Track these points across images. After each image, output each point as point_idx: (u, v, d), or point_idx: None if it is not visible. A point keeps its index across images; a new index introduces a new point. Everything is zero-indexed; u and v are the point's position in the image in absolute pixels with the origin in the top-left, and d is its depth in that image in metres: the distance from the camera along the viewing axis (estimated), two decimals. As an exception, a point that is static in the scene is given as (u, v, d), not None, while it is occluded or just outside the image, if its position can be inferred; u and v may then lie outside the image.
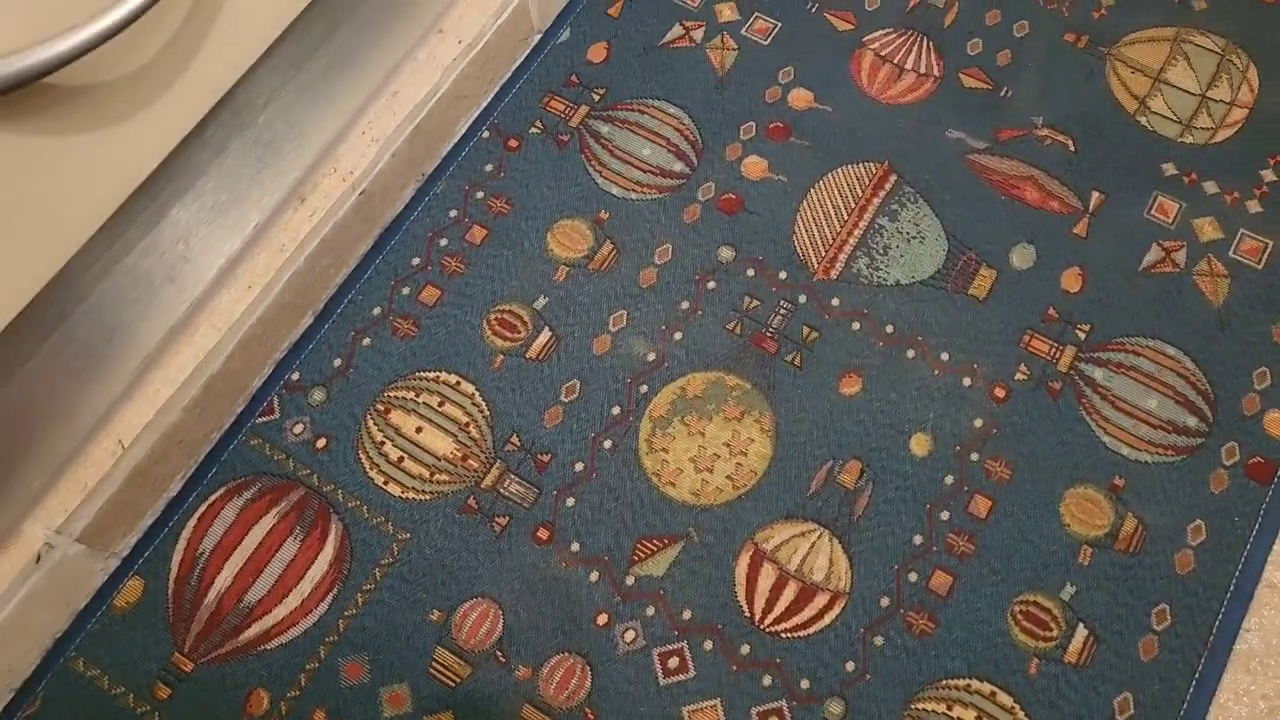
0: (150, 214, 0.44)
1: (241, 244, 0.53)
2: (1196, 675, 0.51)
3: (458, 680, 0.51)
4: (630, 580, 0.53)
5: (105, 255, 0.42)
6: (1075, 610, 0.52)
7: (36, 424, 0.46)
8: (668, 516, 0.54)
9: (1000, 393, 0.57)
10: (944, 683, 0.51)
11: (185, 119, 0.41)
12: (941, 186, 0.62)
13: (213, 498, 0.55)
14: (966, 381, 0.57)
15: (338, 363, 0.58)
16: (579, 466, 0.55)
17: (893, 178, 0.62)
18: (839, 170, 0.62)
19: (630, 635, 0.52)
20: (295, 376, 0.58)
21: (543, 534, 0.54)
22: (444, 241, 0.61)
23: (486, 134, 0.64)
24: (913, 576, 0.53)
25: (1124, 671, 0.51)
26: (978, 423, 0.56)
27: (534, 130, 0.64)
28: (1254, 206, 0.61)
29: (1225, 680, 0.51)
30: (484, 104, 0.65)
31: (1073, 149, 0.62)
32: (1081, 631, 0.52)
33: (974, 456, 0.55)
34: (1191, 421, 0.56)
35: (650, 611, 0.52)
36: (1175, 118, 0.63)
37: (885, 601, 0.52)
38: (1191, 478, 0.55)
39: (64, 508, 0.48)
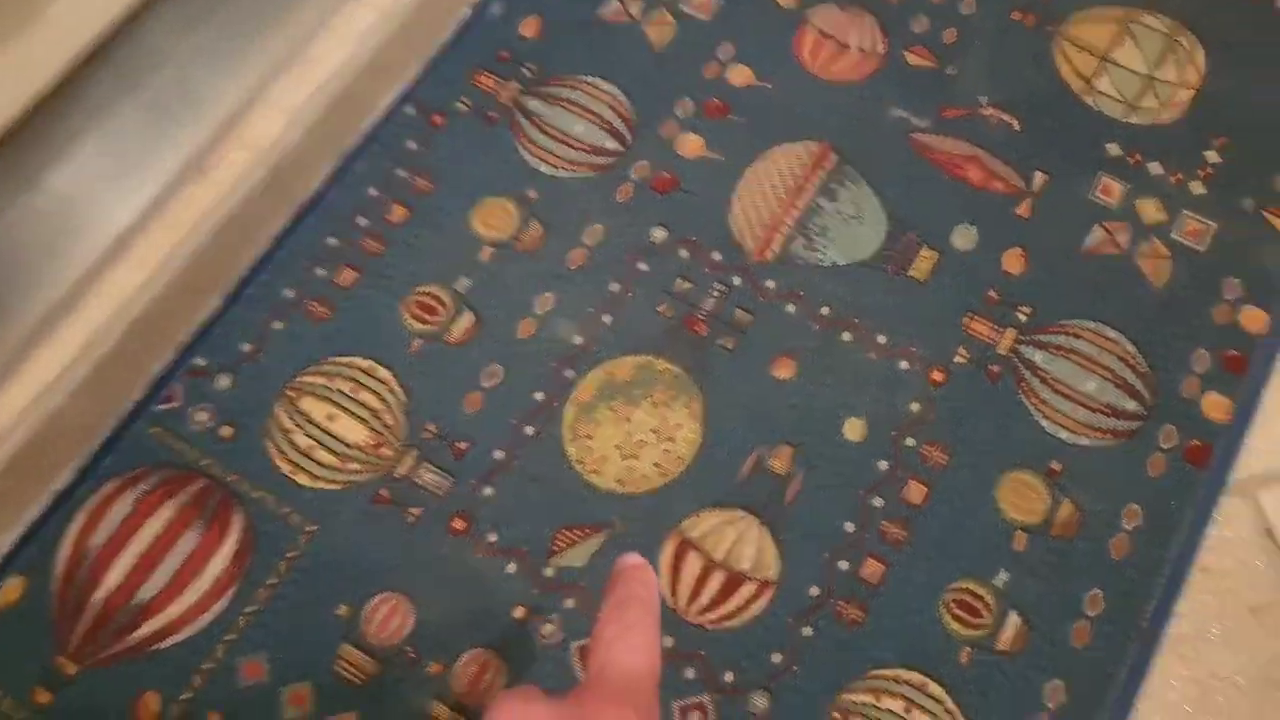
0: (24, 174, 0.41)
1: (135, 217, 0.50)
2: (1128, 660, 0.50)
3: (365, 678, 0.49)
4: (550, 571, 0.51)
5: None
6: (1008, 597, 0.51)
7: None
8: (591, 505, 0.53)
9: (938, 376, 0.56)
10: (873, 673, 0.50)
11: (37, 71, 0.38)
12: (883, 166, 0.61)
13: (105, 489, 0.52)
14: (904, 365, 0.56)
15: (246, 347, 0.56)
16: (499, 454, 0.54)
17: (833, 157, 0.61)
18: (778, 149, 0.61)
19: (548, 629, 0.50)
20: (200, 362, 0.55)
21: (458, 524, 0.52)
22: (362, 221, 0.59)
23: (410, 110, 0.62)
24: (843, 565, 0.52)
25: (1055, 658, 0.50)
26: (914, 407, 0.55)
27: (461, 106, 0.62)
28: (1197, 188, 0.60)
29: (1156, 665, 0.51)
30: (408, 79, 0.63)
31: (1018, 128, 0.62)
32: (1014, 619, 0.51)
33: (909, 441, 0.54)
34: (1130, 405, 0.55)
35: (570, 604, 0.51)
36: (1121, 98, 0.63)
37: (814, 591, 0.51)
38: (1129, 462, 0.54)
39: (-67, 498, 0.46)
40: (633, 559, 0.37)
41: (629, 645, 0.32)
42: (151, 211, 0.51)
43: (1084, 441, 0.55)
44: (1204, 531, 0.54)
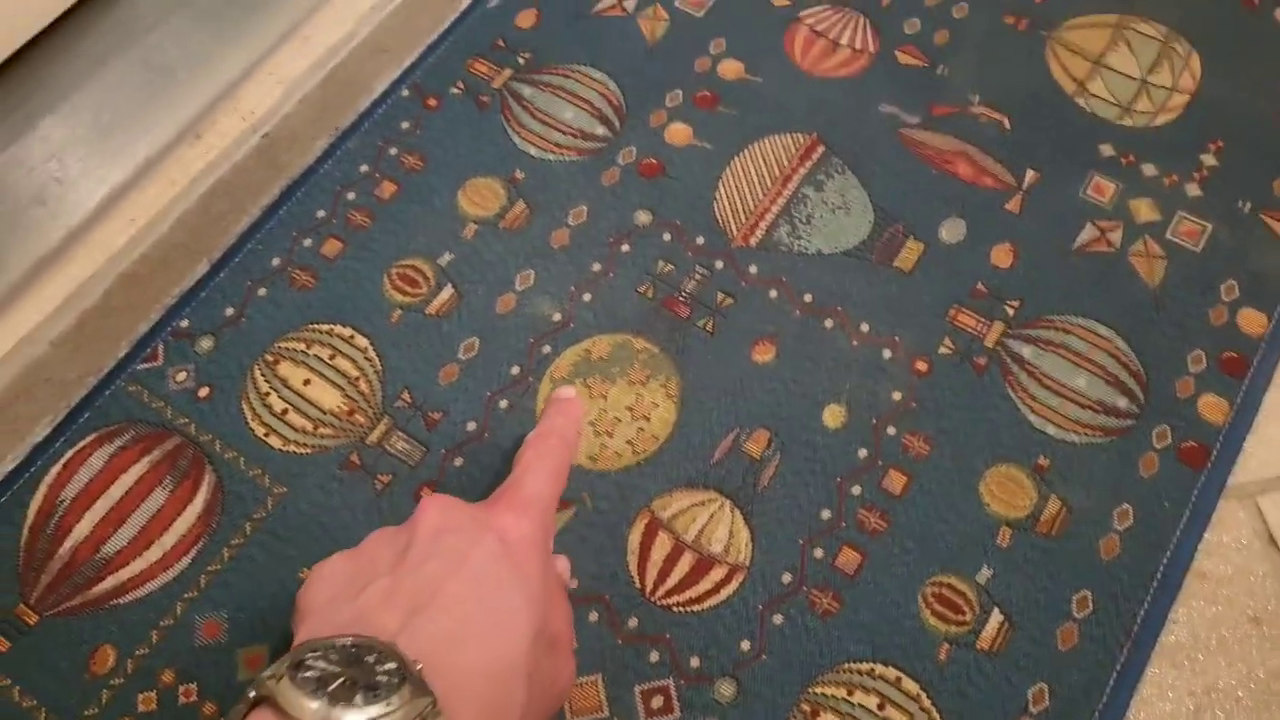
0: (14, 122, 0.42)
1: (127, 175, 0.51)
2: (1118, 667, 0.48)
3: (321, 643, 0.48)
4: (515, 544, 0.50)
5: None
6: (991, 594, 0.49)
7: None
8: (561, 480, 0.52)
9: (922, 366, 0.55)
10: (846, 666, 0.48)
11: (34, 8, 0.39)
12: (871, 159, 0.61)
13: (81, 444, 0.53)
14: (886, 354, 0.55)
15: (230, 311, 0.56)
16: (471, 426, 0.53)
17: (820, 148, 0.61)
18: (766, 139, 0.61)
19: (510, 602, 0.49)
20: (184, 324, 0.56)
21: (426, 494, 0.51)
22: (351, 195, 0.60)
23: (406, 92, 0.63)
24: (818, 553, 0.50)
25: (1040, 660, 0.48)
26: (896, 395, 0.54)
27: (455, 90, 0.63)
28: (1193, 189, 0.59)
29: (1149, 673, 0.48)
30: (406, 63, 0.64)
31: (1008, 127, 0.62)
32: (997, 616, 0.49)
33: (890, 430, 0.53)
34: (1122, 402, 0.54)
35: (533, 578, 0.50)
36: (1115, 101, 0.63)
37: (787, 578, 0.50)
38: (1120, 460, 0.52)
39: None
40: (566, 392, 0.44)
41: (541, 470, 0.38)
42: (144, 170, 0.52)
43: (1073, 438, 0.53)
44: (1200, 536, 0.51)
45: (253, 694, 0.26)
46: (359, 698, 0.25)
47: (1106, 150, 0.61)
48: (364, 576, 0.31)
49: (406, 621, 0.28)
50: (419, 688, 0.26)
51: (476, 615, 0.29)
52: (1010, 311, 0.56)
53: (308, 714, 0.25)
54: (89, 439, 0.53)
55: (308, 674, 0.26)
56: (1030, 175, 0.60)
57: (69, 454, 0.52)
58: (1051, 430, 0.53)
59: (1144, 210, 0.59)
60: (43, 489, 0.51)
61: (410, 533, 0.33)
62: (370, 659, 0.26)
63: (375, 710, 0.25)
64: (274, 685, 0.26)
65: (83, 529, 0.51)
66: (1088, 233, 0.59)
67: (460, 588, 0.30)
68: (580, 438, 0.42)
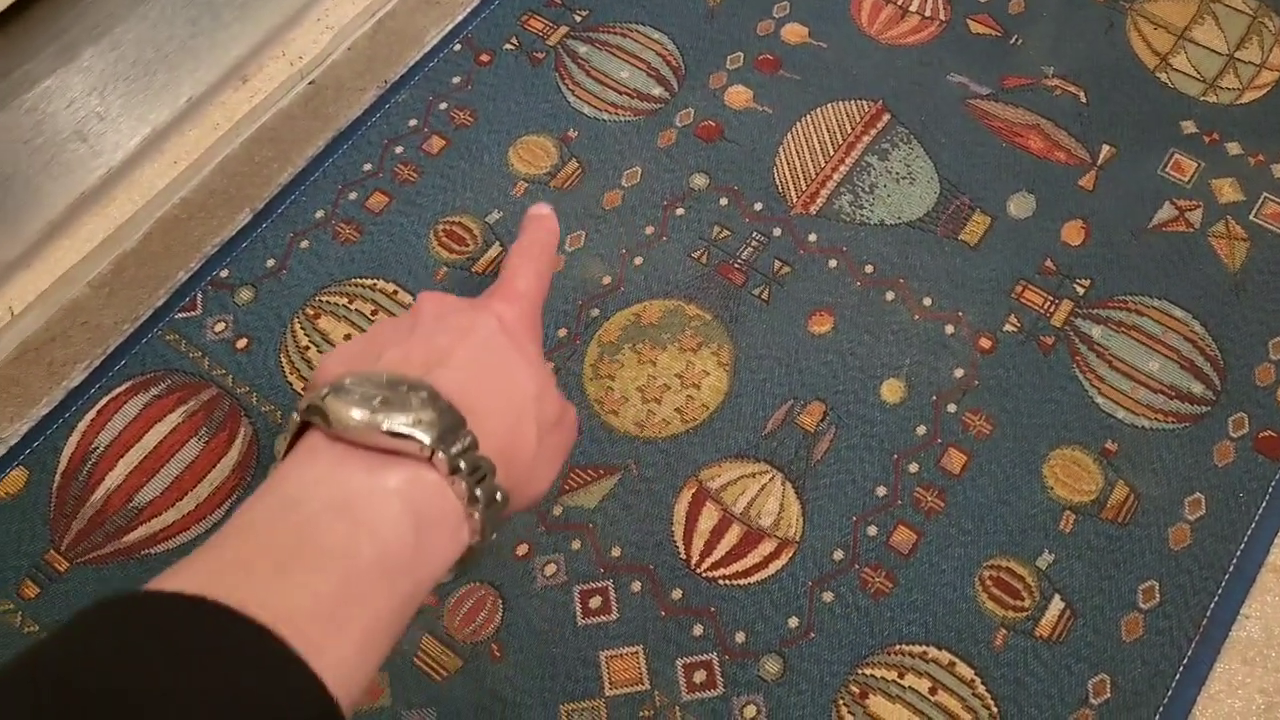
0: (55, 50, 0.43)
1: (171, 116, 0.52)
2: (1185, 660, 0.47)
3: (356, 602, 0.48)
4: (557, 510, 0.51)
5: None
6: (1052, 580, 0.49)
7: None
8: (606, 447, 0.52)
9: (986, 343, 0.54)
10: (898, 648, 0.48)
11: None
12: (938, 129, 0.60)
13: (117, 390, 0.53)
14: (949, 329, 0.55)
15: (271, 263, 0.57)
16: (515, 387, 0.53)
17: (886, 117, 0.61)
18: (829, 106, 0.61)
19: (551, 569, 0.49)
20: (224, 274, 0.57)
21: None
22: (399, 149, 0.60)
23: (458, 47, 0.63)
24: (872, 530, 0.50)
25: (1102, 650, 0.47)
26: (958, 373, 0.53)
27: (508, 47, 0.64)
28: None
29: (1218, 669, 0.47)
30: (459, 18, 0.65)
31: (1084, 100, 0.61)
32: (1057, 603, 0.48)
33: (951, 408, 0.53)
34: (1197, 388, 0.53)
35: (576, 545, 0.50)
36: (1199, 76, 0.62)
37: (839, 555, 0.50)
38: (1193, 448, 0.52)
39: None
40: (541, 209, 0.45)
41: (527, 270, 0.41)
42: (187, 111, 0.52)
43: (1143, 423, 0.52)
44: (1277, 529, 0.51)
45: (297, 416, 0.30)
46: (397, 408, 0.29)
47: (1188, 127, 0.60)
48: (377, 349, 0.35)
49: (425, 374, 0.32)
50: (450, 408, 0.30)
51: (485, 372, 0.34)
52: (1080, 290, 0.56)
53: (353, 421, 0.28)
54: (124, 386, 0.53)
55: (350, 394, 0.29)
56: (1106, 151, 0.59)
57: (104, 401, 0.53)
58: (1121, 414, 0.53)
59: (1226, 190, 0.58)
60: (76, 435, 0.52)
61: (414, 317, 0.36)
62: (403, 388, 0.30)
63: (411, 417, 0.28)
64: (319, 402, 0.29)
65: (116, 477, 0.51)
66: (1165, 212, 0.58)
67: (468, 352, 0.34)
68: (556, 249, 0.46)
